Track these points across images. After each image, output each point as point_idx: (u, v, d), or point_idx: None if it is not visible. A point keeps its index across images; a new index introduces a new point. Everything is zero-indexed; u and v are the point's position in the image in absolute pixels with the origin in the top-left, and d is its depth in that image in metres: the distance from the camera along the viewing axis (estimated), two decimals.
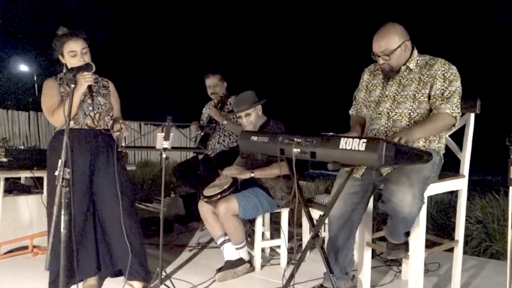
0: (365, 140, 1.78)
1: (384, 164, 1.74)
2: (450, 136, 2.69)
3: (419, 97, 2.29)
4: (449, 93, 2.23)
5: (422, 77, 2.30)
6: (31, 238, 3.52)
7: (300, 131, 2.11)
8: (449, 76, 2.25)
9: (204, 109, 4.43)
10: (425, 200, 2.19)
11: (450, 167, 2.67)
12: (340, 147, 1.86)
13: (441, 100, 2.23)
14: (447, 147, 2.69)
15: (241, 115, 3.14)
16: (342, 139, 1.87)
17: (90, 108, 2.61)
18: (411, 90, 2.31)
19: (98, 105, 2.66)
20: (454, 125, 2.31)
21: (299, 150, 2.03)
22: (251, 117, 3.12)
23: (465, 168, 2.60)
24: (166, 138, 2.59)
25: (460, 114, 2.27)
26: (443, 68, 2.26)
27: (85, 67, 2.38)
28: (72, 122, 2.64)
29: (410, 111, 2.31)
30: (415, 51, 2.37)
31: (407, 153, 1.90)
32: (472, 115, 2.55)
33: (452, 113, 2.22)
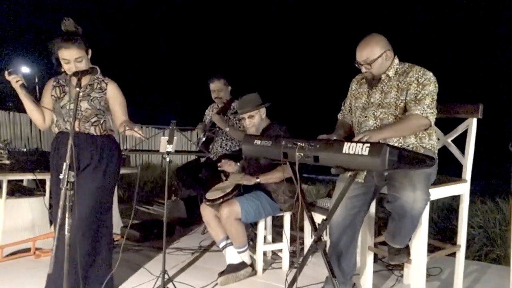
0: (368, 145, 1.80)
1: (387, 168, 1.76)
2: (452, 141, 2.71)
3: (400, 103, 2.37)
4: (421, 95, 2.30)
5: (399, 84, 2.39)
6: (33, 240, 3.52)
7: (304, 135, 2.13)
8: (422, 81, 2.33)
9: (207, 110, 4.44)
10: (430, 197, 2.21)
11: (451, 172, 2.69)
12: (344, 151, 1.88)
13: (414, 102, 2.31)
14: (449, 152, 2.70)
15: (244, 117, 3.14)
16: (345, 143, 1.88)
17: (71, 113, 2.43)
18: (392, 97, 2.40)
19: (78, 111, 2.53)
20: (430, 125, 2.35)
21: (302, 154, 2.04)
22: (254, 120, 3.13)
23: (467, 173, 2.60)
24: (170, 141, 2.60)
25: (434, 114, 2.31)
26: (417, 75, 2.35)
27: (90, 71, 2.38)
28: (55, 128, 2.65)
29: (393, 113, 2.39)
30: (396, 60, 2.46)
31: (410, 157, 1.91)
32: (475, 120, 2.56)
33: (423, 113, 2.28)
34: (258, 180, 3.05)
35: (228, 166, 3.33)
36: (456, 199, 3.95)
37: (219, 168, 3.35)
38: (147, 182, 6.99)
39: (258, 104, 3.13)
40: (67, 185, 1.97)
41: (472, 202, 3.99)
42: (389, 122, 2.38)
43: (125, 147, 2.77)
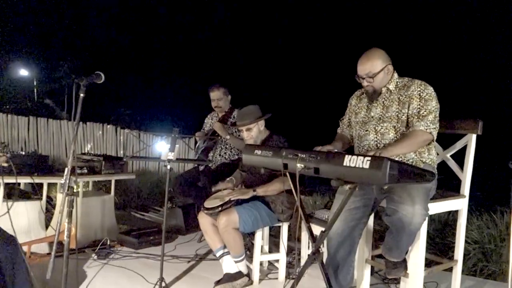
0: (369, 158, 1.81)
1: (388, 182, 1.77)
2: (451, 156, 2.73)
3: (401, 117, 2.41)
4: (424, 111, 2.34)
5: (400, 97, 2.43)
6: (29, 244, 3.49)
7: (304, 147, 2.14)
8: (424, 96, 2.37)
9: (206, 119, 4.45)
10: (429, 212, 2.22)
11: (450, 187, 2.70)
12: (344, 164, 1.88)
13: (417, 118, 2.35)
14: (448, 167, 2.72)
15: (242, 129, 3.16)
16: (346, 156, 1.89)
17: None
18: (394, 111, 2.44)
19: None
20: (433, 140, 2.41)
21: (302, 165, 2.05)
22: (252, 132, 3.13)
23: (465, 188, 2.62)
24: (172, 149, 2.61)
25: (437, 129, 2.36)
26: (419, 89, 2.39)
27: (94, 77, 2.25)
28: None
29: (394, 126, 2.42)
30: (395, 74, 2.51)
31: (410, 172, 1.93)
32: (474, 136, 2.59)
33: (427, 129, 2.32)
34: (255, 192, 3.03)
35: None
36: (452, 213, 3.97)
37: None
38: (143, 189, 6.96)
39: (257, 116, 3.13)
40: (68, 190, 1.97)
41: (467, 217, 4.00)
42: (390, 136, 2.41)
43: (126, 154, 2.77)
